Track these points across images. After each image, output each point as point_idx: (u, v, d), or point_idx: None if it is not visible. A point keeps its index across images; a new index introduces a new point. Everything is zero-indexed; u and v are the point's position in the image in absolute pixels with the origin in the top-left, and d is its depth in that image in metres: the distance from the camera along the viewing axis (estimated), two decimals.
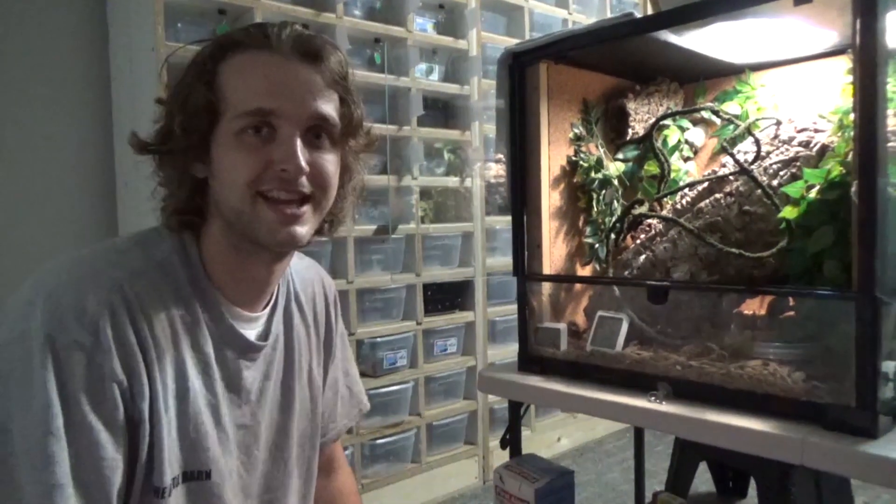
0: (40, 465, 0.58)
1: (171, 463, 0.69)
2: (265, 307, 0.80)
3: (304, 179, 0.69)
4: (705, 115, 1.22)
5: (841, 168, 0.88)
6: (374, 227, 2.27)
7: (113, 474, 0.62)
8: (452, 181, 2.53)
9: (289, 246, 0.72)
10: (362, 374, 1.56)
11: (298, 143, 0.68)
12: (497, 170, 2.61)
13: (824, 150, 0.96)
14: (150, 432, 0.66)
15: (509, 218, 1.15)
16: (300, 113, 0.68)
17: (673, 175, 1.18)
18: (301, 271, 0.89)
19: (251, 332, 0.77)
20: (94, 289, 0.64)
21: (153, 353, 0.66)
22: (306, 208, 0.70)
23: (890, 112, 0.77)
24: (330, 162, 0.72)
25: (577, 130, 1.19)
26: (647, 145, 1.19)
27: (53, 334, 0.61)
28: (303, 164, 0.68)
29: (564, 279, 1.19)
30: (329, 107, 0.70)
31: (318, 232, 0.76)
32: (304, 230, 0.70)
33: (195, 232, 0.74)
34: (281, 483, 0.83)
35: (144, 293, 0.67)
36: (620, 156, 1.24)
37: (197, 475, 0.72)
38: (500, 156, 1.17)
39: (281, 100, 0.67)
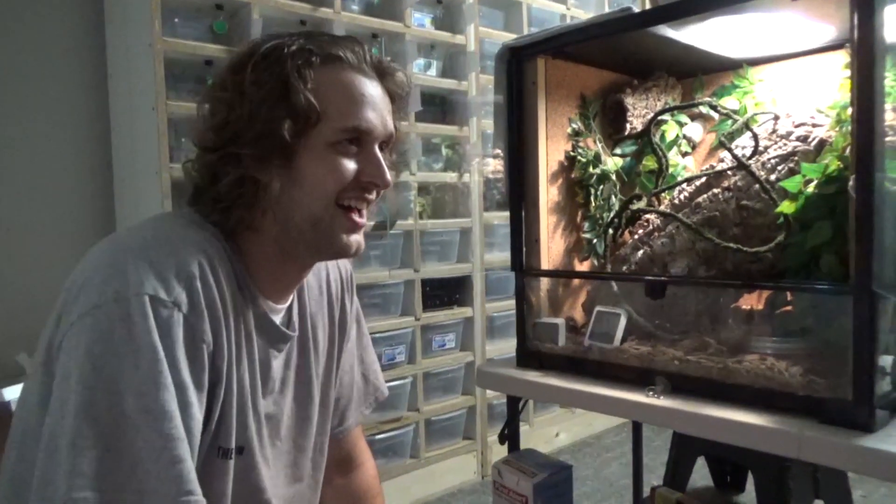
0: (161, 419, 0.58)
1: (235, 427, 0.70)
2: (287, 301, 0.81)
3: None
4: (703, 110, 1.22)
5: (839, 163, 0.88)
6: (372, 222, 2.27)
7: (198, 435, 0.63)
8: (450, 177, 2.53)
9: (355, 254, 0.76)
10: None
11: (381, 158, 0.74)
12: (495, 165, 2.61)
13: (822, 144, 0.96)
14: (225, 393, 0.68)
15: (507, 213, 1.15)
16: (382, 132, 0.74)
17: (671, 170, 1.18)
18: None
19: (276, 322, 0.79)
20: (185, 249, 0.65)
21: (230, 316, 0.68)
22: (365, 216, 0.76)
23: (888, 107, 0.76)
24: None
25: (574, 126, 1.19)
26: (645, 140, 1.19)
27: (154, 294, 0.61)
28: (389, 179, 0.74)
29: (562, 274, 1.19)
30: (394, 126, 0.77)
31: None
32: (362, 239, 0.76)
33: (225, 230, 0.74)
34: (299, 473, 0.84)
35: (219, 258, 0.69)
36: (618, 151, 1.24)
37: (240, 450, 0.73)
38: (499, 151, 1.17)
39: (374, 119, 0.72)
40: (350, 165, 0.71)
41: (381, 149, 0.75)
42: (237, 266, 0.73)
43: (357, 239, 0.74)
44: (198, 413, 0.63)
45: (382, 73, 0.75)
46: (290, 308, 0.81)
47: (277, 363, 0.79)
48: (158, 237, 0.67)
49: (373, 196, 0.75)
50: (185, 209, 0.75)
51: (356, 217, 0.73)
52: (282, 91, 0.68)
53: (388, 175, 0.74)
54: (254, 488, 0.76)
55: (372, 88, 0.73)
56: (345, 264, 0.95)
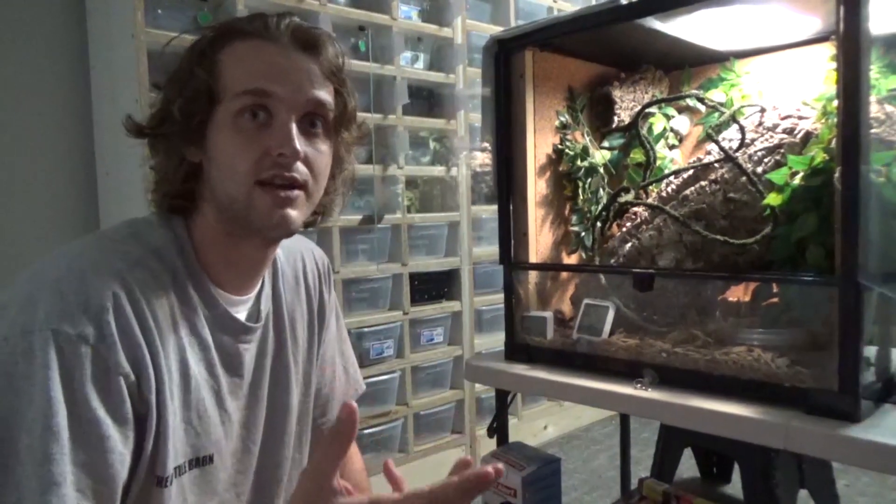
0: (39, 462, 0.57)
1: (177, 452, 0.69)
2: (253, 290, 0.80)
3: (299, 165, 0.70)
4: (690, 102, 1.22)
5: (824, 155, 0.89)
6: (359, 216, 2.26)
7: (121, 468, 0.62)
8: (438, 170, 2.52)
9: (281, 229, 0.72)
10: None
11: (294, 128, 0.70)
12: (483, 158, 2.60)
13: (808, 136, 0.97)
14: (157, 423, 0.66)
15: (495, 207, 1.15)
16: (297, 98, 0.70)
17: (658, 163, 1.18)
18: (287, 245, 0.89)
19: (242, 315, 0.78)
20: (97, 280, 0.64)
21: (157, 342, 0.66)
22: (299, 193, 0.71)
23: (873, 99, 0.77)
24: (323, 152, 0.74)
25: (562, 118, 1.19)
26: (633, 133, 1.19)
27: (58, 328, 0.60)
28: (298, 147, 0.69)
29: (551, 267, 1.19)
30: (325, 94, 0.73)
31: (308, 223, 0.78)
32: (295, 213, 0.72)
33: (185, 217, 0.75)
34: (277, 459, 0.84)
35: (145, 282, 0.67)
36: (606, 144, 1.24)
37: (202, 461, 0.72)
38: (486, 144, 1.17)
39: (279, 84, 0.68)
40: (253, 140, 0.68)
41: (312, 123, 0.72)
42: (190, 269, 0.72)
43: (284, 213, 0.70)
44: (119, 445, 0.62)
45: (307, 45, 0.72)
46: (258, 297, 0.81)
47: (249, 354, 0.79)
48: (76, 267, 0.65)
49: (293, 172, 0.70)
50: (144, 215, 0.76)
51: (280, 192, 0.69)
52: (184, 73, 0.70)
53: (297, 143, 0.69)
54: (224, 486, 0.76)
55: (281, 56, 0.70)
56: (321, 256, 0.95)
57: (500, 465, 0.56)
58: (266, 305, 0.82)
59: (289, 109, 0.69)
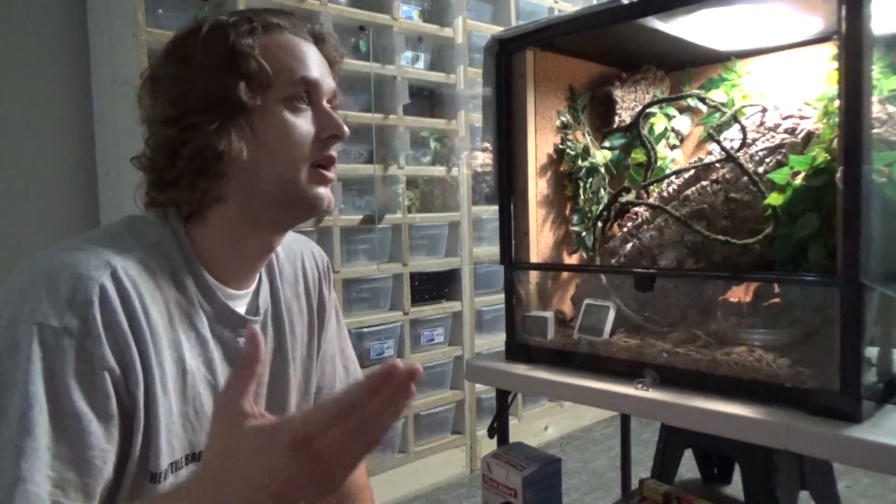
0: (12, 455, 0.58)
1: (173, 448, 0.69)
2: (252, 284, 0.81)
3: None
4: (691, 102, 1.22)
5: (826, 154, 0.89)
6: (360, 216, 2.26)
7: (103, 465, 0.62)
8: (439, 170, 2.52)
9: (329, 209, 0.77)
10: None
11: (333, 112, 0.76)
12: (483, 158, 2.60)
13: (809, 136, 0.97)
14: (146, 419, 0.66)
15: (496, 207, 1.15)
16: (327, 87, 0.76)
17: (659, 163, 1.18)
18: (288, 244, 0.90)
19: (241, 309, 0.78)
20: (86, 274, 0.64)
21: (148, 337, 0.66)
22: (332, 171, 0.77)
23: (874, 99, 0.77)
24: None
25: (563, 118, 1.19)
26: (634, 133, 1.19)
27: (42, 322, 0.60)
28: (347, 130, 0.76)
29: (551, 267, 1.19)
30: (335, 85, 0.80)
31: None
32: (332, 194, 0.78)
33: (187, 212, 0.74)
34: None
35: (138, 276, 0.67)
36: (607, 144, 1.24)
37: (198, 456, 0.72)
38: (487, 144, 1.17)
39: (318, 73, 0.75)
40: (306, 123, 0.73)
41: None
42: (189, 263, 0.72)
43: (328, 193, 0.76)
44: (100, 441, 0.61)
45: (318, 39, 0.78)
46: (256, 293, 0.81)
47: None
48: (67, 261, 0.65)
49: (335, 153, 0.77)
50: (139, 214, 0.75)
51: (327, 173, 0.76)
52: (230, 58, 0.70)
53: (344, 124, 0.76)
54: None
55: (311, 49, 0.76)
56: (321, 255, 0.95)
57: (418, 367, 0.53)
58: (265, 302, 0.82)
59: (322, 96, 0.75)
